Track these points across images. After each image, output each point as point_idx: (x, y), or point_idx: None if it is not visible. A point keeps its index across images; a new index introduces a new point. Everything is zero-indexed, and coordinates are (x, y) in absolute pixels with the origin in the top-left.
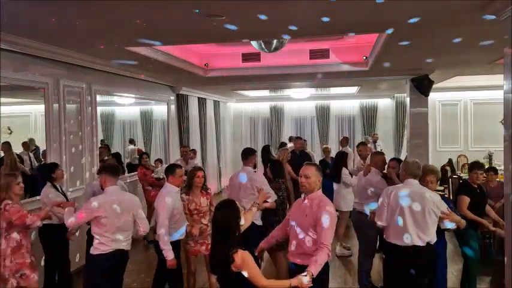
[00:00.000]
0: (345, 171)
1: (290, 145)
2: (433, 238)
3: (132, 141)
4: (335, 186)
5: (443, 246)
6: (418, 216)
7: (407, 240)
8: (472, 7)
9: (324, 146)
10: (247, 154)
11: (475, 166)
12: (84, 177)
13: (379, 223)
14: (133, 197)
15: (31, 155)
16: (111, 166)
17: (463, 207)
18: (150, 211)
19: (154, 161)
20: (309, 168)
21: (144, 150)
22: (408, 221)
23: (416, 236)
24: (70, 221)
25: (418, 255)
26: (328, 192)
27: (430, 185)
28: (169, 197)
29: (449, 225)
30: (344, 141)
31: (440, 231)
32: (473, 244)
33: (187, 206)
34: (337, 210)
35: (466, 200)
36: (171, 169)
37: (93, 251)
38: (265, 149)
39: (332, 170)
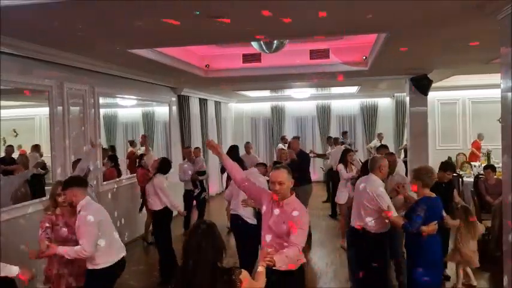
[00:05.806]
0: (340, 166)
1: (280, 145)
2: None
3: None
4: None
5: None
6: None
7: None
8: (470, 6)
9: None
10: None
11: (444, 167)
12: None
13: None
14: None
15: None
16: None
17: None
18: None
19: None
20: (281, 172)
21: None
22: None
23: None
24: None
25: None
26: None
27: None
28: None
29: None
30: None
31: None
32: None
33: None
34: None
35: None
36: None
37: None
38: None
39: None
